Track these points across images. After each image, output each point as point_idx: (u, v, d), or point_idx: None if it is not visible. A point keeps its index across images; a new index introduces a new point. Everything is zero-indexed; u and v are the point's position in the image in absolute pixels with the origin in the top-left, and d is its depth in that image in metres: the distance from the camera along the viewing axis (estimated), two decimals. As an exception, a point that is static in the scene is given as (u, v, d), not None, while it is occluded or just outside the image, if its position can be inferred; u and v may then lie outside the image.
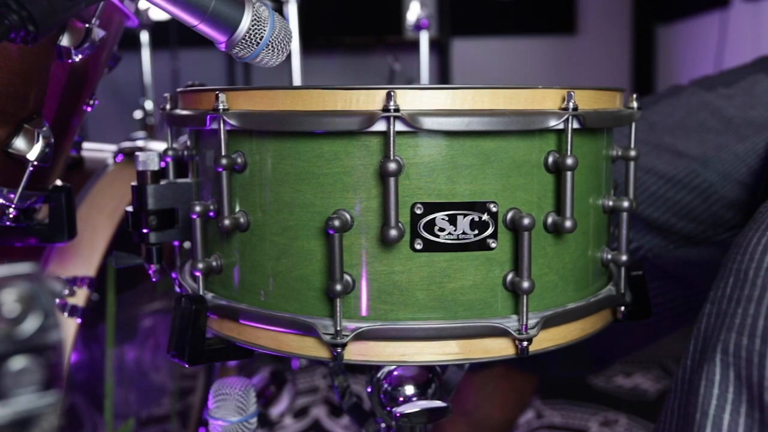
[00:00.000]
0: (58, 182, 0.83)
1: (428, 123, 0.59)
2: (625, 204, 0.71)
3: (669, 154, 1.06)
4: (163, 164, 0.76)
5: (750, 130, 1.05)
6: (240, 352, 0.71)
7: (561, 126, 0.62)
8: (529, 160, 0.63)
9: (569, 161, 0.62)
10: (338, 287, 0.61)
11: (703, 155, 1.05)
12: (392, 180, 0.59)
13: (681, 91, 1.15)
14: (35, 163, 0.71)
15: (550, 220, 0.64)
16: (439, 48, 3.98)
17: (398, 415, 0.74)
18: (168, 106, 0.75)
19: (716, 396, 0.58)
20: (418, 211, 0.61)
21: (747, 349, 0.56)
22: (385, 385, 0.77)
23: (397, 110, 0.59)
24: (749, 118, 1.05)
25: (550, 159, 0.64)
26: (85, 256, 0.95)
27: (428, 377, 0.77)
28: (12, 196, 0.73)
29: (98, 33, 0.73)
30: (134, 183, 0.72)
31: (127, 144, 1.15)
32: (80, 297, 0.92)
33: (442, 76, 4.00)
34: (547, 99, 0.63)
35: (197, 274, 0.70)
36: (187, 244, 0.78)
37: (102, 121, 2.88)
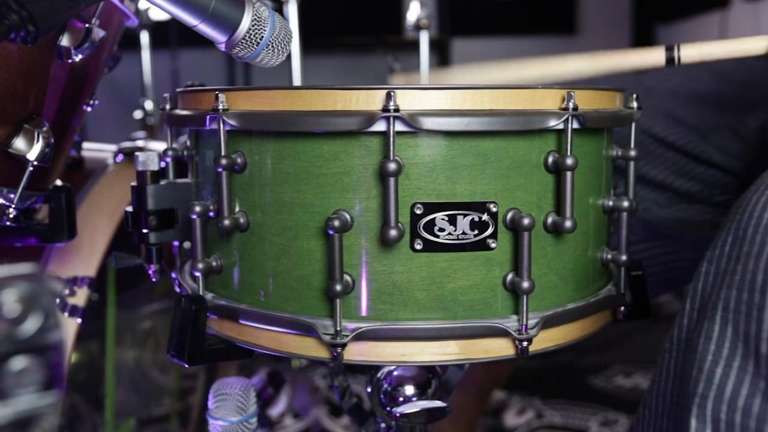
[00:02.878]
0: (58, 182, 0.83)
1: (428, 123, 0.59)
2: (625, 204, 0.71)
3: (665, 117, 1.06)
4: (162, 164, 0.76)
5: (747, 106, 1.04)
6: (240, 352, 0.71)
7: (561, 126, 0.62)
8: (529, 160, 0.63)
9: (569, 161, 0.62)
10: (338, 287, 0.61)
11: (701, 126, 1.05)
12: (392, 180, 0.59)
13: None
14: (35, 163, 0.71)
15: (549, 220, 0.64)
16: (439, 48, 3.98)
17: (398, 415, 0.74)
18: (168, 106, 0.75)
19: (712, 352, 0.59)
20: (418, 211, 0.61)
21: (747, 303, 0.57)
22: (385, 385, 0.77)
23: (396, 110, 0.59)
24: (745, 97, 1.05)
25: (550, 159, 0.64)
26: (85, 255, 0.95)
27: (428, 377, 0.77)
28: (12, 196, 0.73)
29: (98, 33, 0.73)
30: (134, 183, 0.72)
31: (127, 144, 1.15)
32: (80, 297, 0.92)
33: (442, 76, 4.00)
34: (547, 99, 0.63)
35: (197, 274, 0.70)
36: (186, 244, 0.78)
37: (102, 121, 2.88)
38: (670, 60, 0.80)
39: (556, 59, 0.85)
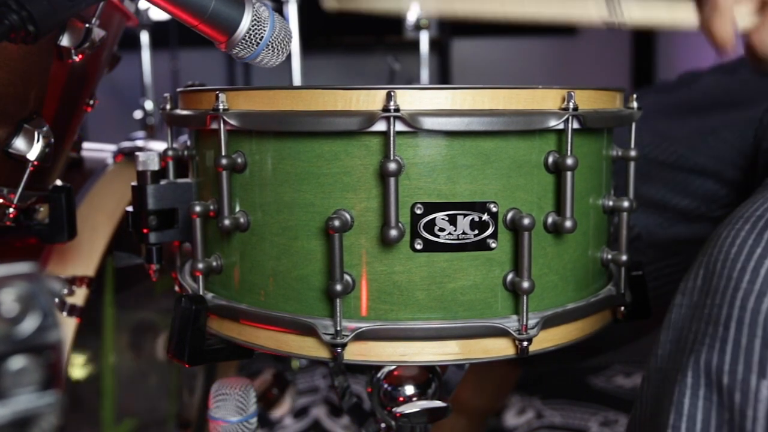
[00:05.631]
0: (58, 182, 0.83)
1: (428, 123, 0.59)
2: (625, 204, 0.71)
3: (651, 134, 1.06)
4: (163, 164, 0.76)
5: (735, 114, 1.05)
6: (240, 352, 0.71)
7: (561, 126, 0.62)
8: (529, 160, 0.63)
9: (569, 161, 0.62)
10: (338, 287, 0.61)
11: (687, 139, 1.05)
12: (392, 180, 0.59)
13: (671, 88, 1.16)
14: (35, 163, 0.71)
15: (550, 220, 0.64)
16: (439, 48, 3.98)
17: (398, 415, 0.74)
18: (168, 106, 0.75)
19: (678, 381, 0.59)
20: (418, 211, 0.61)
21: (711, 336, 0.58)
22: (385, 385, 0.77)
23: (397, 110, 0.59)
24: (733, 102, 1.05)
25: (550, 159, 0.64)
26: (84, 255, 0.95)
27: (428, 377, 0.77)
28: (12, 196, 0.73)
29: (98, 33, 0.73)
30: (134, 183, 0.72)
31: (126, 144, 1.15)
32: (79, 296, 0.92)
33: (442, 76, 4.00)
34: (548, 99, 0.63)
35: (197, 274, 0.70)
36: (187, 244, 0.78)
37: (102, 121, 2.88)
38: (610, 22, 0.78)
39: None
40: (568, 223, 0.63)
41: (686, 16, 0.78)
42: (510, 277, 0.64)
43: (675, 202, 1.06)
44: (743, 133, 1.03)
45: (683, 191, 1.06)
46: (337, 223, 0.60)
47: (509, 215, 0.63)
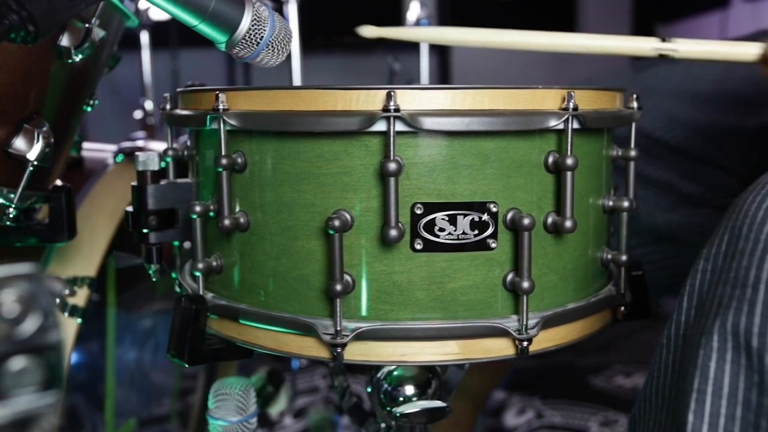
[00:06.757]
0: (58, 182, 0.83)
1: (428, 123, 0.59)
2: (625, 204, 0.71)
3: (665, 119, 1.05)
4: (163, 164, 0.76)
5: (745, 109, 1.04)
6: (240, 352, 0.71)
7: (561, 126, 0.62)
8: (529, 160, 0.63)
9: (569, 161, 0.62)
10: (338, 287, 0.61)
11: (702, 126, 1.04)
12: (392, 180, 0.59)
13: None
14: (35, 163, 0.71)
15: (550, 220, 0.64)
16: (439, 48, 3.98)
17: (398, 415, 0.74)
18: (168, 106, 0.75)
19: (703, 345, 0.59)
20: (418, 211, 0.61)
21: (738, 299, 0.58)
22: (385, 385, 0.77)
23: (397, 110, 0.59)
24: (745, 97, 1.05)
25: (550, 159, 0.64)
26: (85, 256, 0.95)
27: (428, 377, 0.77)
28: (12, 196, 0.73)
29: (98, 33, 0.73)
30: (134, 183, 0.72)
31: (127, 144, 1.15)
32: (80, 297, 0.92)
33: (442, 76, 4.01)
34: (547, 99, 0.63)
35: (197, 274, 0.70)
36: (187, 244, 0.78)
37: (102, 121, 2.88)
38: (663, 53, 0.78)
39: (552, 34, 0.84)
40: (568, 223, 0.63)
41: (743, 51, 0.78)
42: (510, 277, 0.64)
43: (680, 186, 1.06)
44: (757, 126, 1.03)
45: (689, 176, 1.05)
46: (337, 223, 0.60)
47: (509, 215, 0.63)
